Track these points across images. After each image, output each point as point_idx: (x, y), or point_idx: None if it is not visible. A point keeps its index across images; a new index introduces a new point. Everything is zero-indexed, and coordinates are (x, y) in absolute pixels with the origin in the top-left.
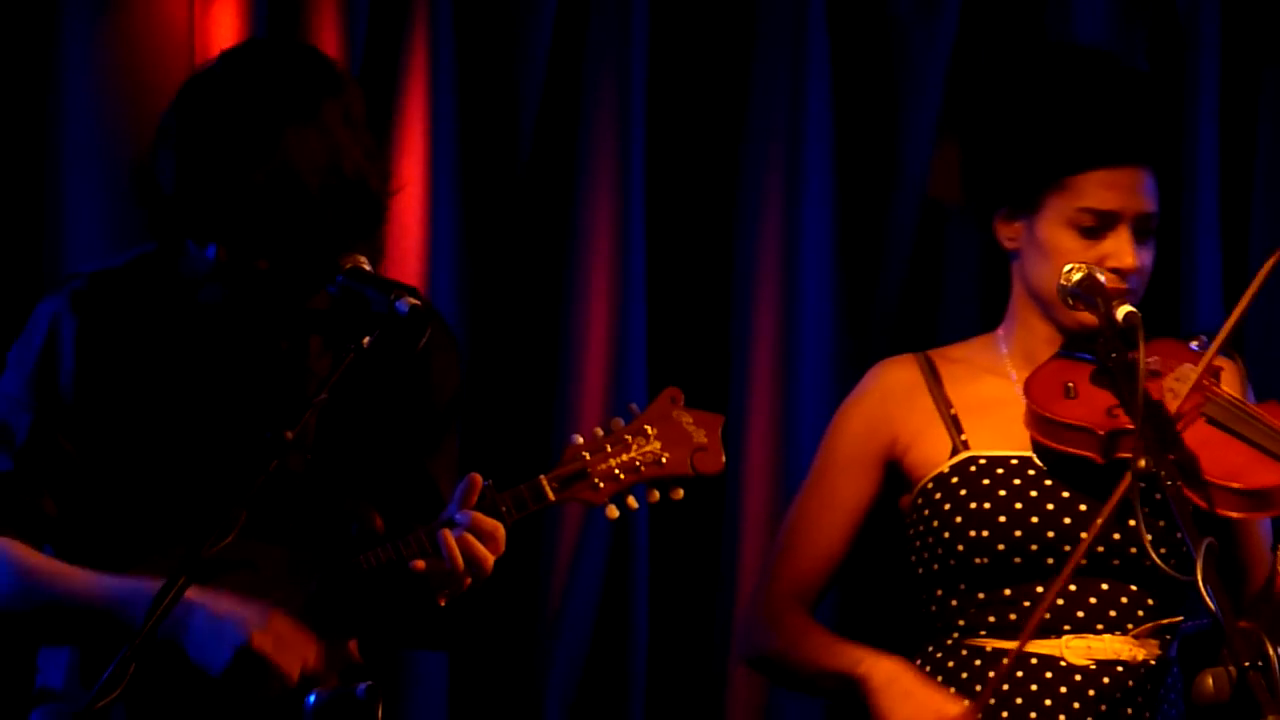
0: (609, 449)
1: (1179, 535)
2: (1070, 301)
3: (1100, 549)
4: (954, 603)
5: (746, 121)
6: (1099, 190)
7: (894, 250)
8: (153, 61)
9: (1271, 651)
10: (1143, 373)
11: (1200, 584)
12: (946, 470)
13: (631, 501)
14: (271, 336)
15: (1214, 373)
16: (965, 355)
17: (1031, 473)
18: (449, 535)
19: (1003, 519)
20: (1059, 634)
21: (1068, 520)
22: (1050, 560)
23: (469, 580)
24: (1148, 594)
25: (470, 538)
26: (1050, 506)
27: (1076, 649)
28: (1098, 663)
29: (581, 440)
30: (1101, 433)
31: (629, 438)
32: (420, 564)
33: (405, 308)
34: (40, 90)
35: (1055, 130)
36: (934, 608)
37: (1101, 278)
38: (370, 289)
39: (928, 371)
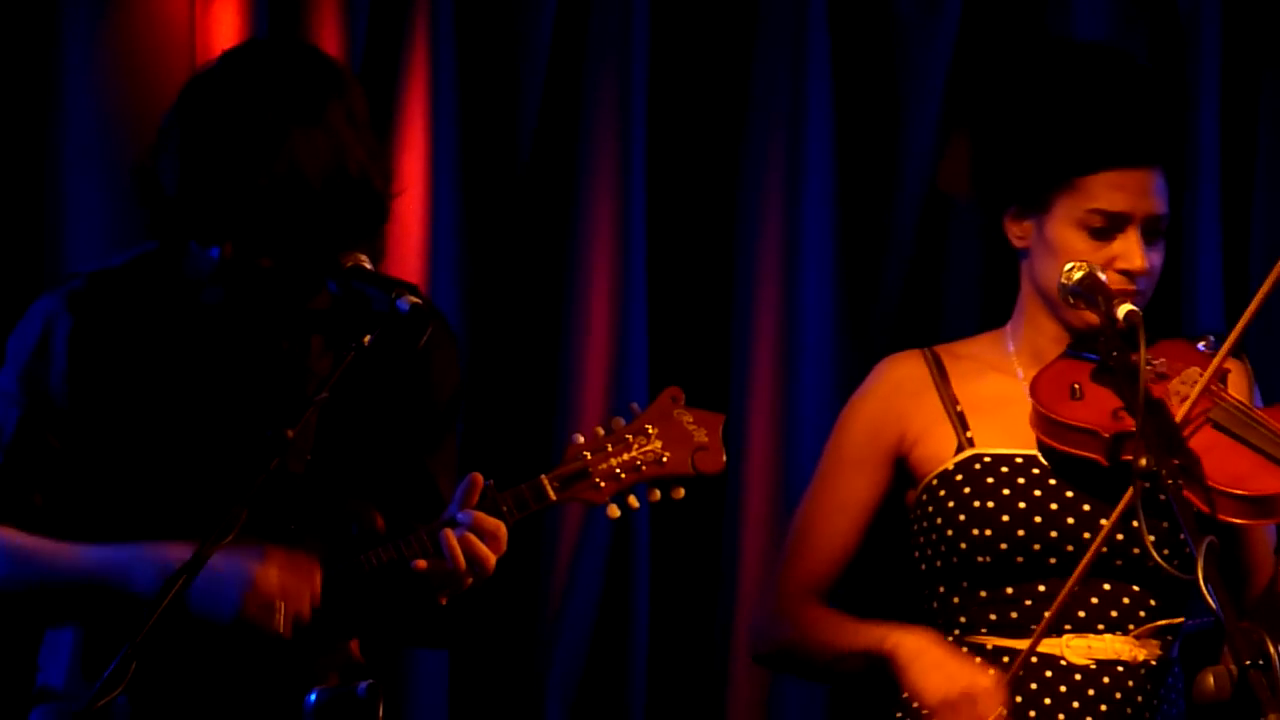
0: (610, 448)
1: (1182, 537)
2: (1071, 300)
3: (1104, 549)
4: (956, 600)
5: (747, 120)
6: (1108, 191)
7: (895, 249)
8: (153, 61)
9: (1272, 650)
10: (1143, 372)
11: (1201, 582)
12: (951, 467)
13: (633, 501)
14: (273, 336)
15: (1221, 375)
16: (972, 352)
17: (1036, 472)
18: (450, 535)
19: (1006, 518)
20: (1060, 633)
21: (1071, 520)
22: (1053, 560)
23: (470, 580)
24: (1150, 595)
25: (472, 537)
26: (1054, 506)
27: (1077, 648)
28: (1098, 662)
29: (583, 440)
30: (1106, 435)
31: (630, 437)
32: (422, 564)
33: (406, 306)
34: (41, 90)
35: (1065, 131)
36: (936, 604)
37: (1103, 276)
38: (371, 288)
39: (934, 367)
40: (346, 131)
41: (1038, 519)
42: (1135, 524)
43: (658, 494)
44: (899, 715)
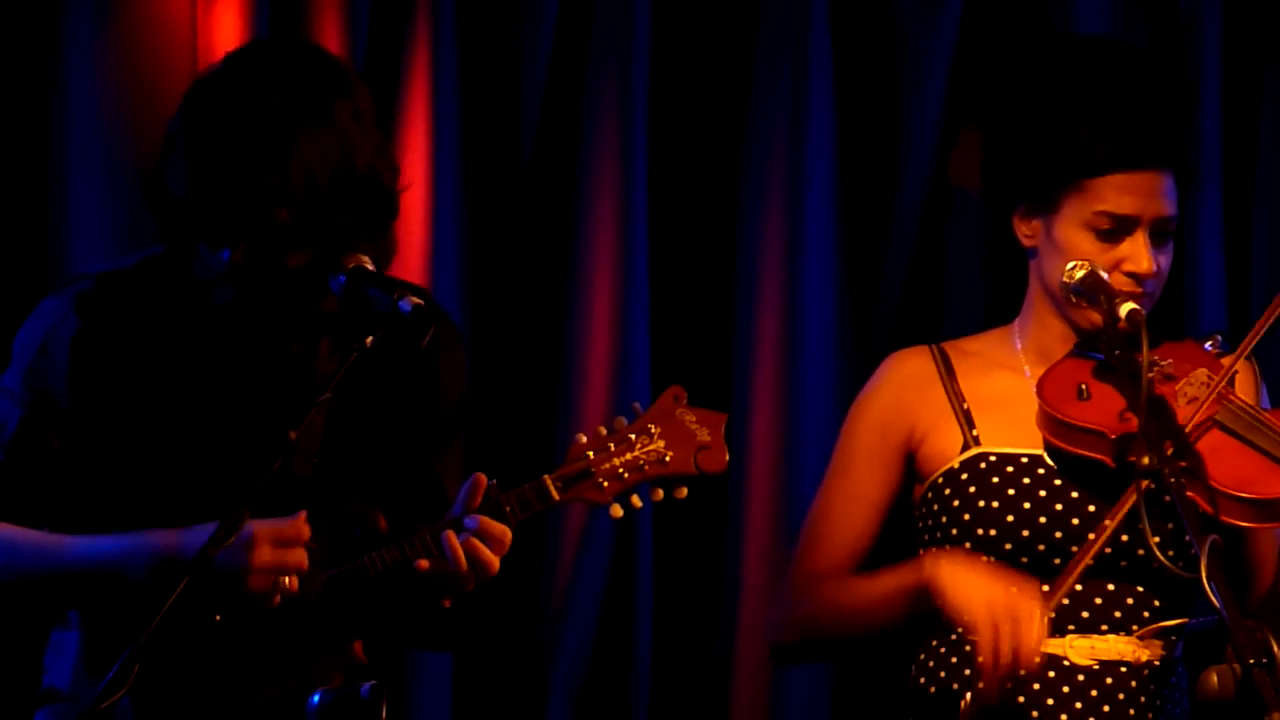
0: (613, 448)
1: (1187, 539)
2: (1073, 299)
3: (1108, 550)
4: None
5: (749, 119)
6: (1117, 194)
7: (896, 249)
8: (155, 62)
9: (1276, 649)
10: (1146, 370)
11: (1204, 581)
12: (957, 466)
13: (635, 500)
14: (282, 338)
15: (1229, 377)
16: (979, 349)
17: (1041, 472)
18: (452, 536)
19: (1010, 518)
20: (1063, 633)
21: (1076, 521)
22: (1056, 560)
23: (473, 582)
24: (1154, 595)
25: (476, 541)
26: (1059, 507)
27: (1080, 649)
28: (1101, 663)
29: (585, 439)
30: (1113, 436)
31: (633, 437)
32: (424, 564)
33: (408, 307)
34: (43, 91)
35: (1074, 133)
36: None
37: (1105, 275)
38: (373, 288)
39: (941, 364)
40: (353, 129)
41: (1042, 519)
42: (1141, 525)
43: (661, 493)
44: (895, 704)
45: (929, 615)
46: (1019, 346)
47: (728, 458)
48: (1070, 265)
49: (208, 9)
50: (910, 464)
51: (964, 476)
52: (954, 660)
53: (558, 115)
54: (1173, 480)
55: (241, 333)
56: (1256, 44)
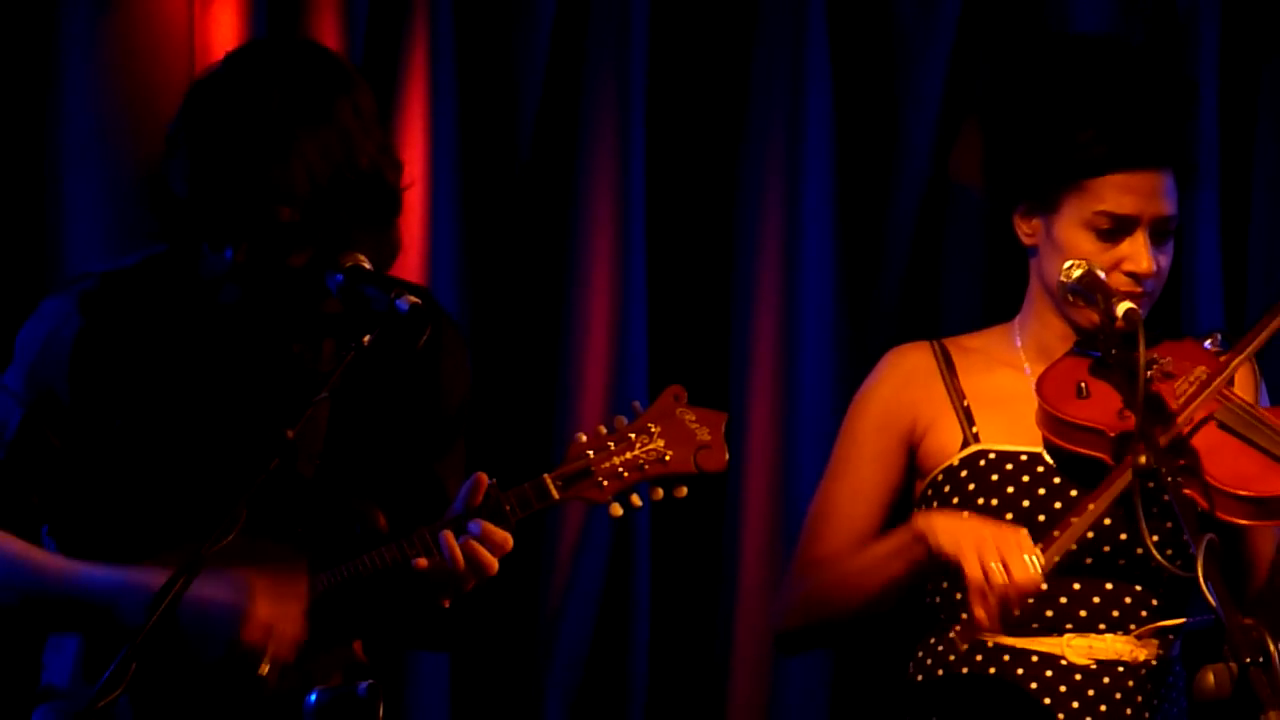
0: (613, 447)
1: (1185, 538)
2: (1070, 298)
3: (1106, 548)
4: (958, 595)
5: (747, 119)
6: (1117, 194)
7: (894, 248)
8: (152, 61)
9: (1273, 648)
10: (1143, 369)
11: (1201, 580)
12: (956, 463)
13: (635, 500)
14: (285, 339)
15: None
16: (980, 346)
17: (1040, 469)
18: (450, 535)
19: (1009, 516)
20: (1061, 632)
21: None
22: (1057, 558)
23: (472, 581)
24: (1152, 595)
25: (476, 544)
26: (1058, 505)
27: (1078, 648)
28: (1098, 662)
29: (585, 438)
30: (1112, 434)
31: (633, 436)
32: (423, 562)
33: (405, 306)
34: (40, 89)
35: (1074, 133)
36: (938, 599)
37: (1102, 274)
38: (370, 287)
39: (941, 360)
40: (355, 127)
41: (1041, 517)
42: (1139, 524)
43: (660, 492)
44: (893, 703)
45: (927, 574)
46: (1019, 344)
47: (728, 457)
48: (1067, 265)
49: (205, 8)
50: (911, 458)
51: (964, 474)
52: (951, 658)
53: (555, 115)
54: (1169, 479)
55: (245, 332)
56: (1254, 43)
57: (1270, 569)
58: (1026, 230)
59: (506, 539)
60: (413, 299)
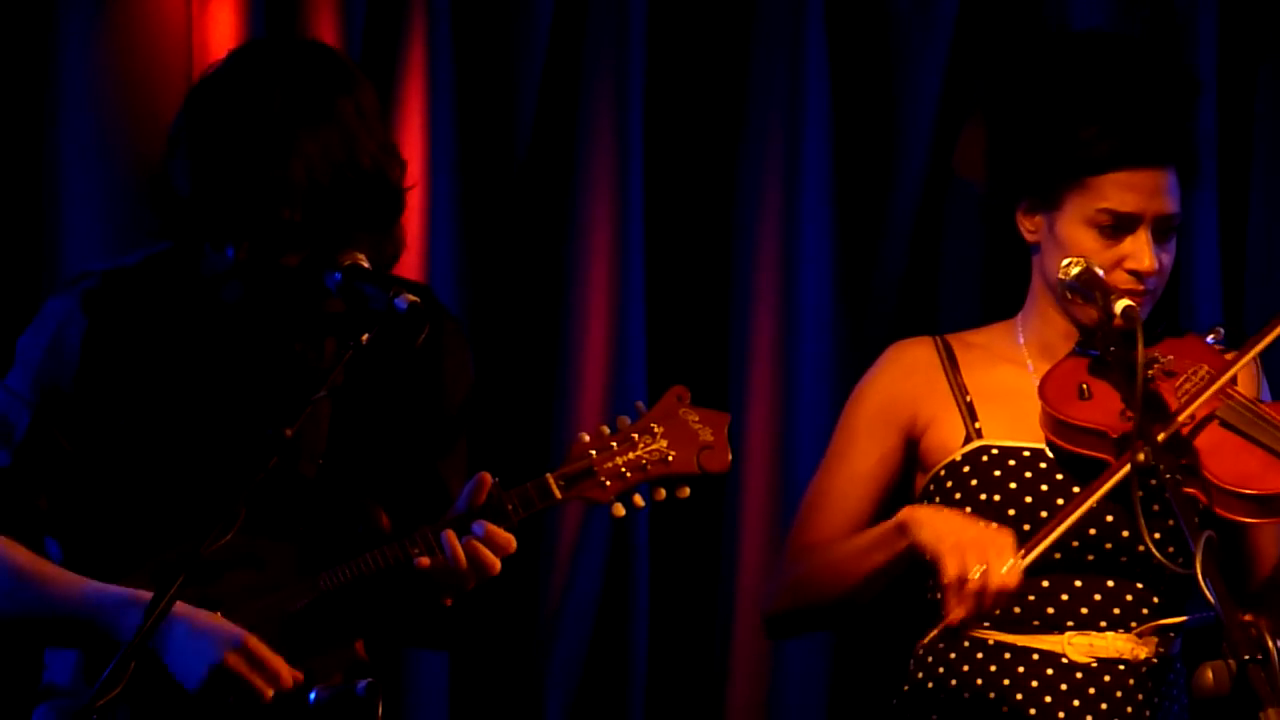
0: (615, 447)
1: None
2: (1069, 295)
3: (1108, 546)
4: (937, 595)
5: (745, 117)
6: (1119, 191)
7: (892, 247)
8: (150, 61)
9: (1271, 645)
10: (1141, 367)
11: (1199, 577)
12: (959, 458)
13: (638, 500)
14: (287, 337)
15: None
16: (983, 342)
17: (1043, 466)
18: (452, 535)
19: (1012, 512)
20: (1062, 630)
21: None
22: (1058, 555)
23: (474, 580)
24: (1153, 592)
25: (479, 545)
26: (1060, 501)
27: (1079, 646)
28: (1099, 660)
29: (588, 438)
30: (1114, 435)
31: (636, 436)
32: (425, 561)
33: (404, 304)
34: (38, 89)
35: (1077, 130)
36: (939, 595)
37: (1100, 272)
38: (369, 286)
39: (944, 355)
40: (357, 126)
41: (1043, 513)
42: (1138, 521)
43: (663, 493)
44: (898, 707)
45: (910, 566)
46: (1022, 341)
47: (731, 457)
48: (1065, 262)
49: (203, 7)
50: (910, 451)
51: (966, 469)
52: (952, 655)
53: (553, 114)
54: (1168, 476)
55: (248, 330)
56: (1251, 42)
57: (1275, 566)
58: (1029, 227)
59: (510, 540)
60: (411, 297)
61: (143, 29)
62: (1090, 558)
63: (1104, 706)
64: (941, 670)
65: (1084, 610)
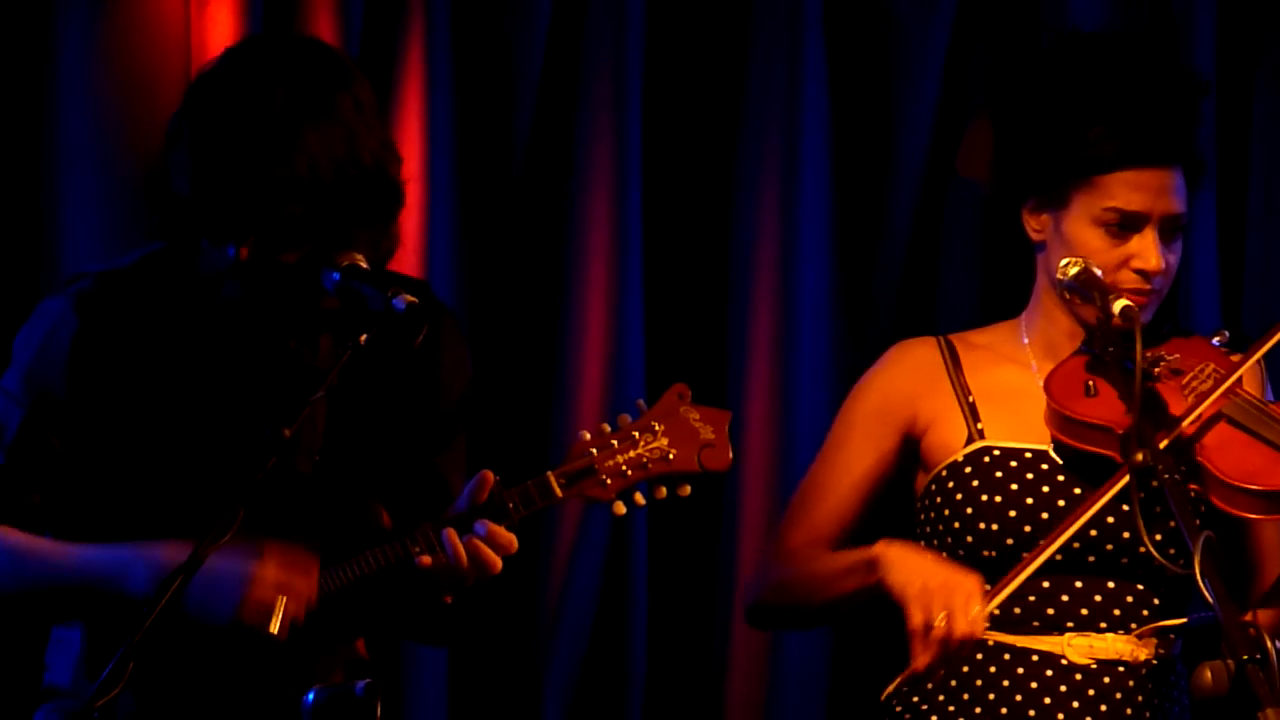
0: (616, 445)
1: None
2: (1067, 295)
3: (1109, 547)
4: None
5: (743, 119)
6: (1127, 190)
7: (890, 247)
8: (149, 61)
9: (1270, 645)
10: (1140, 367)
11: (1198, 577)
12: (961, 459)
13: (639, 498)
14: (282, 334)
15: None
16: (986, 342)
17: (1045, 467)
18: (452, 533)
19: (1013, 513)
20: (1062, 631)
21: None
22: (1059, 557)
23: (474, 578)
24: (1153, 594)
25: (480, 543)
26: (1062, 503)
27: (1078, 647)
28: (1099, 662)
29: (588, 436)
30: (1120, 431)
31: (636, 434)
32: (426, 560)
33: (402, 305)
34: (36, 89)
35: (1085, 129)
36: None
37: (1098, 272)
38: (367, 286)
39: (947, 356)
40: (356, 122)
41: (1045, 515)
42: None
43: (664, 491)
44: (897, 708)
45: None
46: (1026, 341)
47: (732, 456)
48: (1064, 262)
49: (201, 8)
50: (909, 451)
51: (968, 470)
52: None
53: (552, 113)
54: (1166, 476)
55: (243, 328)
56: (1249, 42)
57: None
58: (1035, 226)
59: (511, 540)
60: (409, 298)
61: (141, 29)
62: (1091, 559)
63: (1103, 708)
64: (941, 671)
65: (1084, 611)
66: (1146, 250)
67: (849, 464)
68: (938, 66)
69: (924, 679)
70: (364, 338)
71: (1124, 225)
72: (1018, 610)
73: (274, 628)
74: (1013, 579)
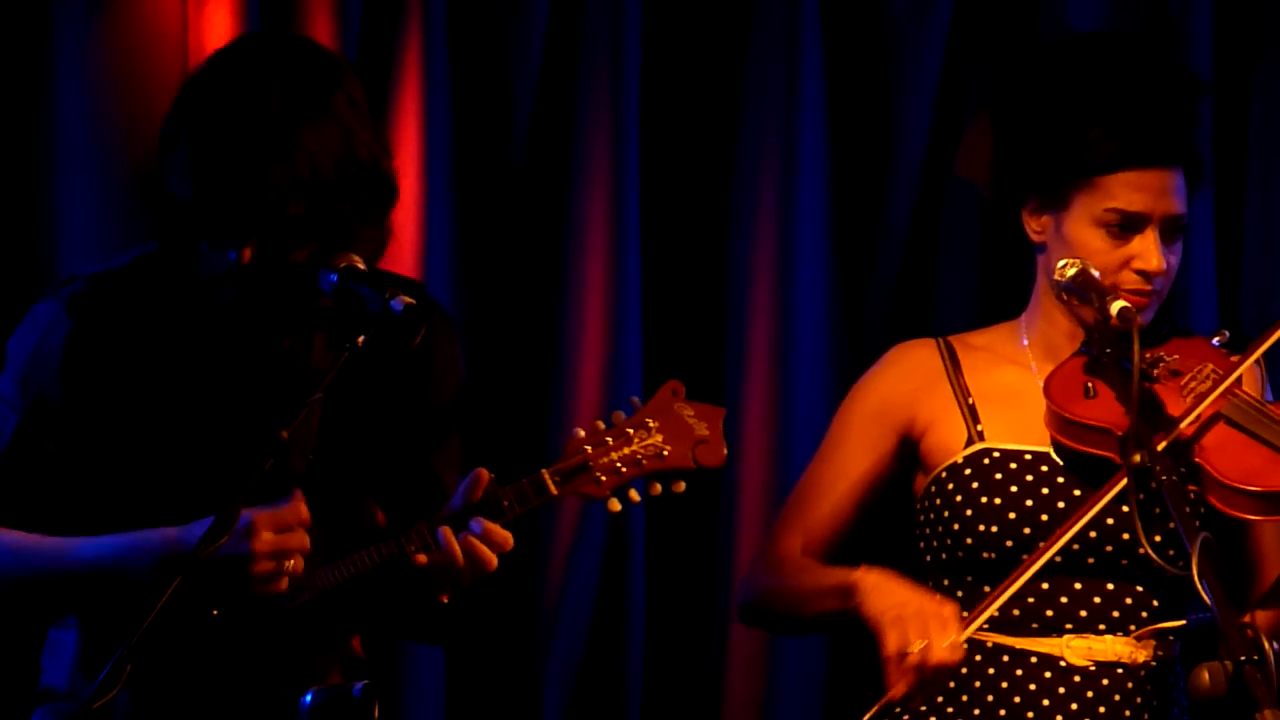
0: (610, 442)
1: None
2: (1064, 296)
3: (1108, 548)
4: (960, 594)
5: (741, 118)
6: (1127, 191)
7: (888, 247)
8: (146, 62)
9: (1268, 647)
10: (1138, 368)
11: (1196, 578)
12: (960, 461)
13: (634, 495)
14: (276, 334)
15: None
16: (985, 343)
17: (1045, 469)
18: (449, 531)
19: (1013, 515)
20: (1060, 633)
21: None
22: (1059, 559)
23: (471, 576)
24: (1152, 596)
25: (476, 542)
26: (1061, 505)
27: (1077, 649)
28: (1097, 664)
29: (583, 433)
30: (1119, 433)
31: (631, 431)
32: (422, 558)
33: (400, 306)
34: (33, 90)
35: (1085, 130)
36: (939, 596)
37: (1096, 273)
38: (365, 287)
39: (947, 357)
40: (352, 118)
41: (1044, 517)
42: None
43: (658, 487)
44: (896, 709)
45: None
46: (1025, 342)
47: (726, 452)
48: (1061, 264)
49: (199, 8)
50: (909, 453)
51: (967, 472)
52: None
53: (549, 113)
54: (1165, 478)
55: (237, 328)
56: (1246, 42)
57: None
58: (1035, 227)
59: (507, 538)
60: (407, 299)
61: (138, 30)
62: (1090, 560)
63: (1102, 710)
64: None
65: (1083, 613)
66: (1148, 251)
67: (846, 465)
68: (935, 67)
69: (901, 707)
70: (362, 340)
71: (1125, 226)
72: (1016, 612)
73: (282, 585)
74: (994, 599)
